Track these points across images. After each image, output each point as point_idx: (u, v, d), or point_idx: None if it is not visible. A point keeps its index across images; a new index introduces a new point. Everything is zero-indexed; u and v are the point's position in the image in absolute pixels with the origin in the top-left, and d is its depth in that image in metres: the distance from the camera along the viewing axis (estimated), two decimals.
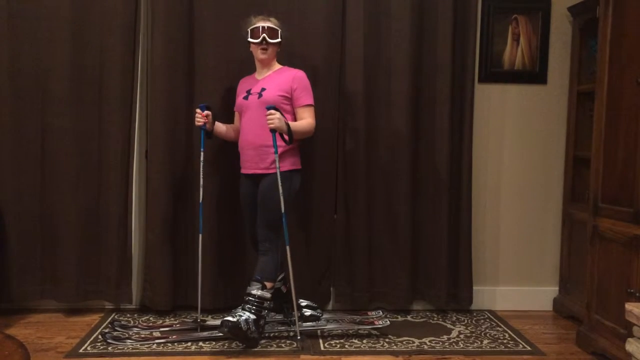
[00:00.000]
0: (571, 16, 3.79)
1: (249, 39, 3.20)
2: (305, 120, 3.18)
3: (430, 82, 3.65)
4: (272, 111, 3.02)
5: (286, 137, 3.07)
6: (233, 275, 3.64)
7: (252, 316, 3.04)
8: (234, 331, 2.99)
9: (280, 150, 3.11)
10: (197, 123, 3.24)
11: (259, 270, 3.13)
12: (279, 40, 3.20)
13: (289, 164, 3.18)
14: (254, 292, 3.08)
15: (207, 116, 3.23)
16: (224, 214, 3.60)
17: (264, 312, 3.10)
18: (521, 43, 3.82)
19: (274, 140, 3.06)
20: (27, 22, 3.48)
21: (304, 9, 3.55)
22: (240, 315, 3.02)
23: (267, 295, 3.09)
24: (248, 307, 3.05)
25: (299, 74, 3.22)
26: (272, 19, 3.23)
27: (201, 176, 3.30)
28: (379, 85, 3.63)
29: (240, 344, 3.09)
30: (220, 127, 3.36)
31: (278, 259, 3.17)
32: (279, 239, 3.16)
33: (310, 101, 3.21)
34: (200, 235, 3.33)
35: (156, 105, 3.53)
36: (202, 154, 3.28)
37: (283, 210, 3.06)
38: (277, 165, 3.06)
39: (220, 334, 3.17)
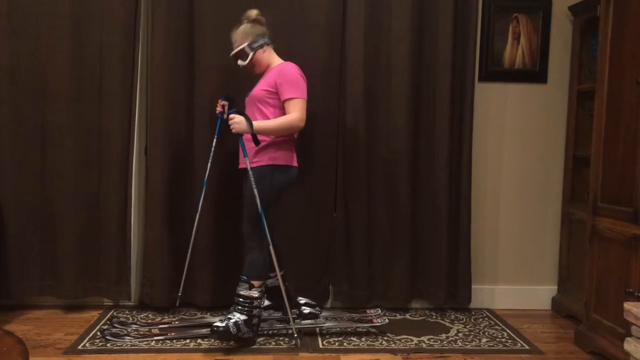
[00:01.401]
0: (572, 15, 3.78)
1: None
2: (285, 115, 3.07)
3: (431, 80, 3.65)
4: (232, 115, 3.02)
5: (252, 137, 3.05)
6: (233, 272, 3.63)
7: (243, 317, 3.02)
8: (224, 336, 2.99)
9: (258, 147, 3.08)
10: (216, 111, 3.32)
11: (245, 270, 3.10)
12: (251, 54, 3.14)
13: (267, 159, 3.09)
14: (242, 292, 3.06)
15: (223, 106, 3.29)
16: (224, 211, 3.60)
17: (255, 311, 3.08)
18: (521, 42, 3.82)
19: (242, 144, 3.06)
20: (27, 19, 3.47)
21: (305, 6, 3.55)
22: (230, 319, 3.00)
23: (255, 294, 3.06)
24: (239, 309, 3.04)
25: (285, 68, 3.12)
26: (235, 32, 3.18)
27: (210, 160, 3.29)
28: (379, 84, 3.63)
29: (236, 344, 3.09)
30: None
31: (264, 256, 3.11)
32: (262, 236, 3.10)
33: (295, 94, 3.06)
34: (198, 215, 3.32)
35: (156, 102, 3.53)
36: (214, 140, 3.31)
37: (260, 210, 3.02)
38: (248, 166, 3.04)
39: None
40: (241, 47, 3.14)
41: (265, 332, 3.24)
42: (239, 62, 3.18)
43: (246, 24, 3.16)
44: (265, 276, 3.16)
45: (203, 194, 3.33)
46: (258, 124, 3.02)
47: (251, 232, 3.11)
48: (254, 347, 3.08)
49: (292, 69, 3.11)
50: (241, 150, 3.14)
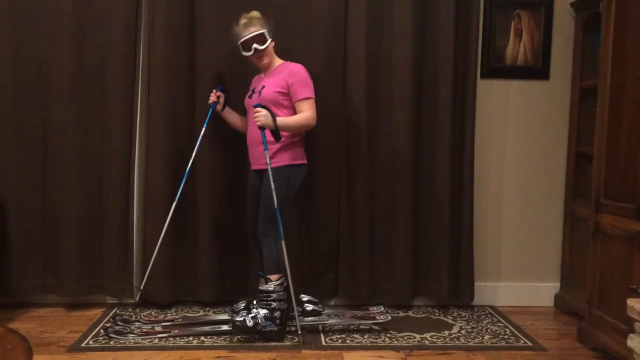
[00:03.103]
0: (574, 12, 3.77)
1: (243, 53, 3.22)
2: (302, 113, 3.16)
3: (433, 77, 3.65)
4: (258, 109, 3.07)
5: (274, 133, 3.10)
6: (234, 269, 3.65)
7: (263, 311, 3.09)
8: (243, 330, 3.07)
9: (276, 146, 3.14)
10: (209, 101, 3.36)
11: (264, 265, 3.18)
12: (269, 41, 3.18)
13: (288, 159, 3.18)
14: (260, 287, 3.15)
15: (218, 97, 3.35)
16: (226, 208, 3.60)
17: (275, 305, 3.12)
18: (524, 38, 3.81)
19: (263, 137, 3.10)
20: (29, 17, 3.47)
21: (306, 4, 3.54)
22: (249, 313, 3.08)
23: (271, 287, 3.12)
24: (260, 303, 3.13)
25: (295, 68, 3.20)
26: (251, 16, 3.18)
27: (195, 149, 3.35)
28: (381, 81, 3.62)
29: (261, 339, 3.12)
30: (231, 114, 3.44)
31: (279, 251, 3.15)
32: (278, 232, 3.14)
33: (308, 94, 3.17)
34: (174, 204, 3.33)
35: (157, 100, 3.53)
36: (203, 129, 3.35)
37: (276, 205, 3.06)
38: (268, 162, 3.09)
39: (222, 329, 3.22)
40: (262, 31, 3.16)
41: None
42: (255, 45, 3.15)
43: (256, 16, 3.18)
44: (282, 270, 3.17)
45: (183, 183, 3.34)
46: (281, 119, 3.10)
47: (266, 228, 3.16)
48: (256, 344, 3.08)
49: (302, 69, 3.20)
50: (256, 151, 3.20)
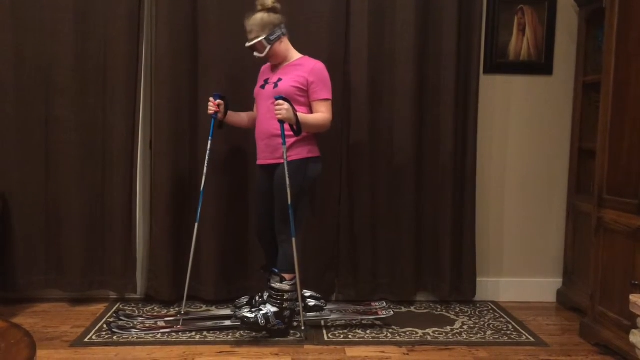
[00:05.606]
0: (577, 6, 3.76)
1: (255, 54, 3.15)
2: (320, 114, 3.09)
3: (435, 72, 3.64)
4: (281, 101, 2.95)
5: (295, 127, 3.02)
6: (236, 267, 3.65)
7: (273, 309, 3.08)
8: (253, 327, 3.05)
9: (291, 140, 3.06)
10: (208, 111, 3.22)
11: (278, 263, 3.14)
12: (267, 49, 3.07)
13: (305, 152, 3.10)
14: (273, 285, 3.12)
15: (219, 106, 3.21)
16: (229, 205, 3.60)
17: (286, 304, 3.11)
18: (527, 34, 3.80)
19: (282, 131, 3.00)
20: (31, 13, 3.47)
21: None
22: (260, 310, 3.06)
23: (286, 287, 3.10)
24: (272, 301, 3.11)
25: (318, 66, 3.11)
26: (253, 19, 3.05)
27: (205, 164, 3.23)
28: (383, 76, 3.62)
29: (267, 334, 3.13)
30: (234, 116, 3.32)
31: (293, 249, 3.12)
32: (296, 229, 3.11)
33: (327, 95, 3.11)
34: (197, 225, 3.24)
35: (160, 96, 3.53)
36: (209, 142, 3.23)
37: (289, 203, 3.02)
38: (285, 157, 3.01)
39: (225, 324, 3.23)
40: (258, 40, 3.05)
41: None
42: (255, 54, 3.10)
43: (262, 13, 3.05)
44: (294, 269, 3.12)
45: (200, 204, 3.24)
46: (301, 116, 3.01)
47: (284, 226, 3.10)
48: (260, 339, 3.09)
49: (324, 69, 3.12)
50: (266, 145, 3.12)
